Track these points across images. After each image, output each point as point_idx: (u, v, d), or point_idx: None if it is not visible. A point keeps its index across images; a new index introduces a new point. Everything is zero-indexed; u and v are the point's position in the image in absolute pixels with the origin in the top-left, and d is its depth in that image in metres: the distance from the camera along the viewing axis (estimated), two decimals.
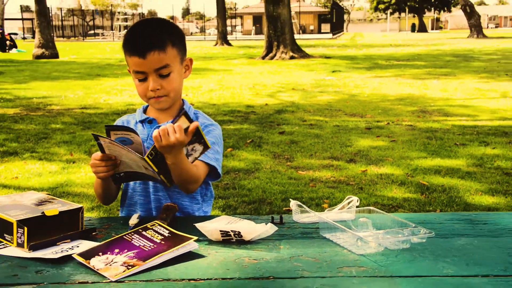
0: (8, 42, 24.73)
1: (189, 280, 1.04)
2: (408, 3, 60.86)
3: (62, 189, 3.88)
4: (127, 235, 1.23)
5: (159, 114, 1.58)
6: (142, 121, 1.59)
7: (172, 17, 61.98)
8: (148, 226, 1.26)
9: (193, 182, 1.45)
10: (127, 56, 1.48)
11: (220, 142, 1.58)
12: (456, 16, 74.24)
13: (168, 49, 1.46)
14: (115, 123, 1.66)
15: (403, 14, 67.31)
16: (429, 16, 74.03)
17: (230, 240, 1.24)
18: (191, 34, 70.52)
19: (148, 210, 1.57)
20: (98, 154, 1.37)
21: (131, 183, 1.58)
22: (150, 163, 1.31)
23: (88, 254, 1.15)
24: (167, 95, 1.50)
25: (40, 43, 18.63)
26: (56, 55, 18.83)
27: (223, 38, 28.18)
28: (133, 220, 1.36)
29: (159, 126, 1.43)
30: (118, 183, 1.49)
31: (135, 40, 1.48)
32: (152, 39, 1.45)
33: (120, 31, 49.08)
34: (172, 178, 1.39)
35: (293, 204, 1.39)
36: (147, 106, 1.63)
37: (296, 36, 19.78)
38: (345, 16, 75.98)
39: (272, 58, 16.94)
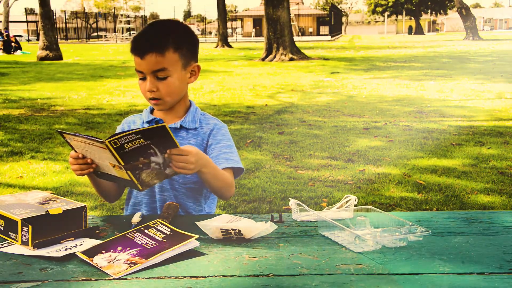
0: (13, 44, 24.77)
1: (190, 277, 1.06)
2: (405, 6, 61.03)
3: (66, 188, 3.90)
4: (129, 233, 1.24)
5: (165, 115, 1.59)
6: (149, 122, 1.60)
7: None
8: (150, 224, 1.27)
9: (229, 187, 1.50)
10: (132, 54, 1.50)
11: (231, 139, 1.64)
12: (452, 18, 74.40)
13: (167, 53, 1.45)
14: (121, 123, 1.67)
15: (400, 17, 67.54)
16: (425, 18, 74.14)
17: (230, 238, 1.25)
18: None
19: (153, 210, 1.58)
20: (72, 152, 1.35)
21: None
22: (112, 149, 1.20)
23: (92, 252, 1.16)
24: (162, 99, 1.50)
25: (44, 45, 18.63)
26: (60, 57, 18.83)
27: (224, 40, 28.14)
28: (136, 218, 1.37)
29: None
30: (104, 179, 1.40)
31: (138, 40, 1.49)
32: (153, 41, 1.46)
33: (122, 33, 49.09)
34: (146, 182, 1.29)
35: (292, 203, 1.40)
36: None
37: (295, 38, 19.81)
38: (343, 19, 75.97)
39: (271, 59, 16.96)
